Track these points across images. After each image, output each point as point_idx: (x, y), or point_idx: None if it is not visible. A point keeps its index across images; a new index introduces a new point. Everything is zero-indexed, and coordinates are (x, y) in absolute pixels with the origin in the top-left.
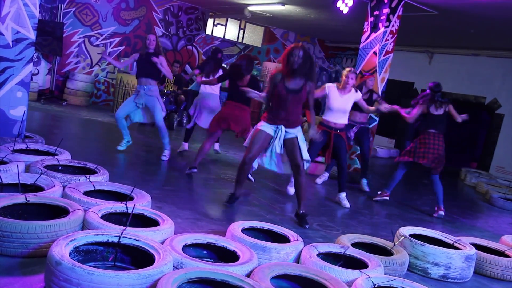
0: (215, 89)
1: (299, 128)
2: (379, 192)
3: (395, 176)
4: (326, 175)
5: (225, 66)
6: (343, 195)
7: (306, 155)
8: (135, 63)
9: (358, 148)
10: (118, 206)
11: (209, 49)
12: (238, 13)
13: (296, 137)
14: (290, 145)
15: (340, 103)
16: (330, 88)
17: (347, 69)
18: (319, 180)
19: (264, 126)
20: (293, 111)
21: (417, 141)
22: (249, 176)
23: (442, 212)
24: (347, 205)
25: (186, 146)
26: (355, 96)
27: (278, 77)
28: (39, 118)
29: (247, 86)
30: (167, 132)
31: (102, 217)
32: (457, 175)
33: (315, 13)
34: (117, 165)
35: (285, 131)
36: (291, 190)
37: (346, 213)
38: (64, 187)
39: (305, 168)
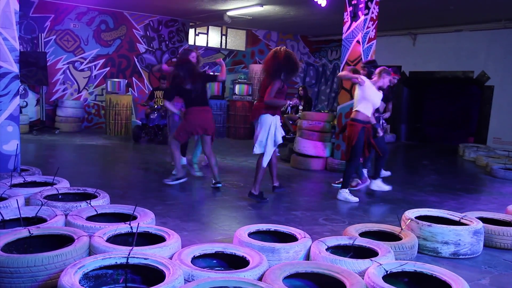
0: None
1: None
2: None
3: None
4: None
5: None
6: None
7: (279, 140)
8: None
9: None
10: (122, 227)
11: None
12: (218, 19)
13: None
14: None
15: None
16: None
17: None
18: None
19: (269, 117)
20: None
21: None
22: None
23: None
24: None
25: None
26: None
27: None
28: (33, 150)
29: (201, 79)
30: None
31: (107, 240)
32: (456, 151)
33: (294, 10)
34: (116, 186)
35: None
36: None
37: (350, 204)
38: (66, 215)
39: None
